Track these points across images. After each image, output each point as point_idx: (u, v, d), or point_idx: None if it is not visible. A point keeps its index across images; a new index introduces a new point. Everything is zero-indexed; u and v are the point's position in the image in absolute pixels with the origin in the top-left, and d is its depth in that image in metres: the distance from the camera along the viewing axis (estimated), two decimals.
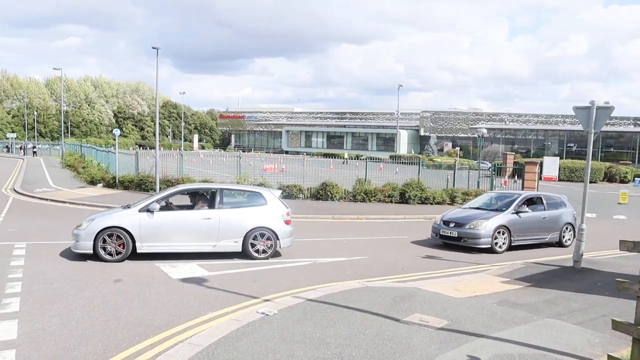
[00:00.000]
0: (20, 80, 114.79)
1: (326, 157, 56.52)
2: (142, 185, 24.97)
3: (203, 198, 12.18)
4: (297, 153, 68.63)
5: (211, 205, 11.83)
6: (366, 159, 27.96)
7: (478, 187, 26.67)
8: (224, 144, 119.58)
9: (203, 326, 6.98)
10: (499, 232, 13.76)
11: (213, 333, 6.48)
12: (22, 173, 36.82)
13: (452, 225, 14.15)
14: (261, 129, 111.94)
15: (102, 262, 10.82)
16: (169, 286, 9.15)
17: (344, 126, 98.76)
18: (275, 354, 5.86)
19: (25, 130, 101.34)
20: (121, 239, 11.01)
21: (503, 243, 13.85)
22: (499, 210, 14.52)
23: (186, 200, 12.57)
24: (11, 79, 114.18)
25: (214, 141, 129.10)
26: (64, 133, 75.10)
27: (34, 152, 67.07)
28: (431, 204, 24.01)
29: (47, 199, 22.47)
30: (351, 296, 8.37)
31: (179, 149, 65.29)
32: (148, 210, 11.26)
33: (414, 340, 6.39)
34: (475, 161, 40.89)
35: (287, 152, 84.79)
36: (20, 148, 72.52)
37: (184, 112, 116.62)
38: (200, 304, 8.07)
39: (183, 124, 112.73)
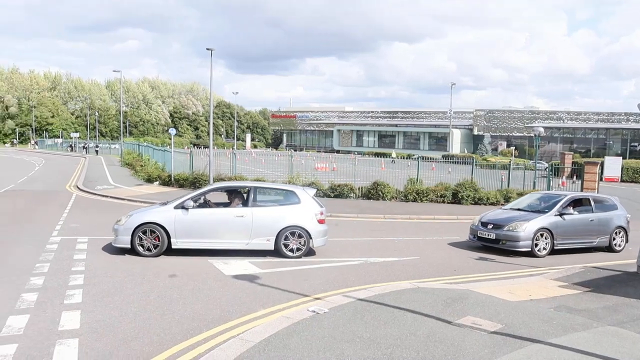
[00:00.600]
0: (83, 83, 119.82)
1: (377, 157, 56.31)
2: (196, 183, 25.55)
3: (239, 196, 12.29)
4: (348, 152, 68.57)
5: (245, 203, 11.94)
6: (418, 159, 27.62)
7: (534, 187, 25.89)
8: (275, 143, 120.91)
9: (254, 323, 7.08)
10: (540, 235, 13.14)
11: (264, 330, 6.56)
12: (84, 171, 38.38)
13: (490, 226, 13.63)
14: (312, 128, 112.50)
15: (141, 256, 11.16)
16: (222, 282, 9.33)
17: (396, 125, 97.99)
18: (325, 352, 5.88)
19: (87, 130, 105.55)
20: (157, 234, 11.30)
21: (545, 247, 13.24)
22: (542, 212, 13.87)
23: (225, 198, 12.73)
24: (75, 81, 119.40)
25: (266, 140, 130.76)
26: (123, 132, 77.82)
27: (96, 151, 70.09)
28: (485, 204, 23.49)
29: (107, 196, 23.34)
30: (402, 297, 8.29)
31: (232, 148, 66.43)
32: (183, 207, 11.48)
33: (466, 344, 6.27)
34: (531, 161, 39.77)
35: (338, 152, 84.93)
36: (83, 147, 75.63)
37: (236, 112, 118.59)
38: (252, 301, 8.19)
39: (236, 123, 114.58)
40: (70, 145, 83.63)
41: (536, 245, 13.12)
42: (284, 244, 11.65)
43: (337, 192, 23.98)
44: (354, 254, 12.36)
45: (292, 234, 11.70)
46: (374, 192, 23.94)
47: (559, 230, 13.45)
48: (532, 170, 28.69)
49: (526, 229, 13.03)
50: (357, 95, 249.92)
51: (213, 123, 26.90)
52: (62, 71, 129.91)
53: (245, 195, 12.15)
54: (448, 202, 23.75)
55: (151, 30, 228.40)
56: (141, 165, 36.24)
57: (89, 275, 9.50)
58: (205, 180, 24.63)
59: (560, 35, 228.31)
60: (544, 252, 13.20)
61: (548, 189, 24.91)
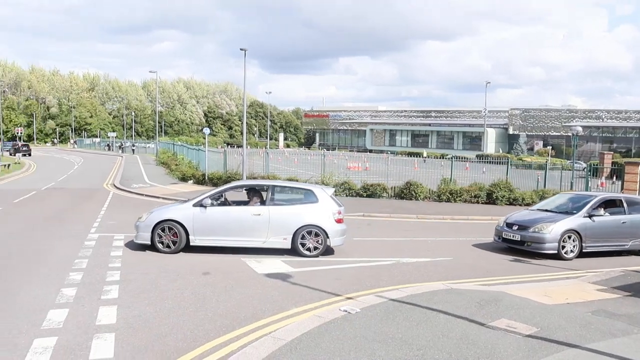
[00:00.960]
0: (120, 84, 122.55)
1: (410, 156, 55.92)
2: (229, 182, 25.78)
3: (258, 194, 12.32)
4: (381, 152, 68.27)
5: (263, 201, 12.00)
6: (451, 158, 27.31)
7: (571, 188, 25.28)
8: (308, 142, 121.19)
9: (286, 321, 7.11)
10: (567, 237, 12.74)
11: (296, 328, 6.59)
12: (121, 170, 39.24)
13: (515, 228, 13.28)
14: (345, 128, 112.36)
15: (160, 253, 11.43)
16: (255, 281, 9.41)
17: (429, 125, 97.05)
18: (357, 352, 5.87)
19: (123, 130, 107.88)
20: (175, 231, 11.50)
21: (572, 249, 12.81)
22: (570, 213, 13.40)
23: (245, 196, 12.79)
24: (112, 82, 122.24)
25: (298, 140, 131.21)
26: (158, 132, 79.17)
27: (133, 150, 71.66)
28: (520, 205, 23.05)
29: (142, 194, 23.81)
30: (435, 298, 8.22)
31: (265, 147, 66.93)
32: (201, 205, 11.64)
33: (500, 347, 6.17)
34: (569, 161, 38.84)
35: (371, 151, 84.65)
36: (119, 146, 77.29)
37: (269, 112, 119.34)
38: (284, 299, 8.24)
39: (269, 123, 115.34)
40: (108, 145, 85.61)
41: (563, 247, 12.73)
42: (300, 243, 11.64)
43: (369, 192, 23.92)
44: (386, 254, 12.30)
45: (309, 232, 11.67)
46: (406, 192, 23.78)
47: (587, 232, 13.02)
48: (570, 170, 28.03)
49: (552, 231, 12.66)
50: (390, 95, 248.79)
51: (246, 122, 27.17)
52: (100, 72, 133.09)
53: (263, 194, 12.22)
54: (482, 203, 23.41)
55: (186, 32, 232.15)
56: (176, 164, 36.84)
57: (125, 272, 9.71)
58: (239, 179, 24.85)
59: (600, 31, 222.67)
60: (572, 254, 12.80)
61: (586, 190, 24.29)
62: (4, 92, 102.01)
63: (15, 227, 14.71)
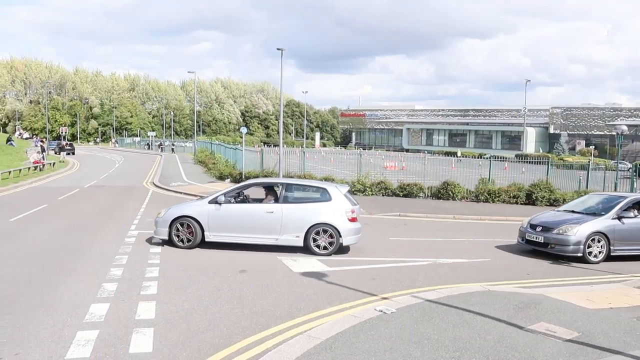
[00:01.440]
0: (160, 84, 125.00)
1: (447, 156, 55.25)
2: None
3: (273, 192, 12.39)
4: (418, 151, 67.66)
5: (277, 199, 12.05)
6: (490, 158, 26.87)
7: (615, 189, 24.51)
8: (344, 141, 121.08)
9: (322, 320, 7.12)
10: (593, 240, 12.16)
11: (331, 327, 6.59)
12: (160, 168, 40.01)
13: (539, 229, 12.79)
14: (381, 127, 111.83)
15: (176, 247, 11.74)
16: (290, 279, 9.46)
17: (467, 124, 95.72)
18: (392, 352, 5.84)
19: (163, 129, 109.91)
20: (191, 227, 11.73)
21: (599, 252, 12.17)
22: (598, 214, 12.78)
23: (263, 194, 12.83)
24: (152, 82, 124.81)
25: (335, 139, 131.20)
26: (196, 131, 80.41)
27: (172, 149, 73.01)
28: (561, 205, 22.50)
29: (180, 192, 24.22)
30: (472, 299, 8.10)
31: (301, 147, 67.22)
32: (216, 202, 11.84)
33: (539, 351, 6.04)
34: (613, 161, 37.73)
35: (407, 150, 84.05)
36: (159, 145, 78.83)
37: (306, 111, 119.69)
38: (319, 298, 8.25)
39: (305, 122, 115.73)
40: (147, 144, 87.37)
41: (589, 250, 12.16)
42: (313, 241, 11.62)
43: (406, 192, 23.75)
44: (423, 254, 12.18)
45: (322, 231, 11.62)
46: (443, 192, 23.51)
47: (616, 235, 12.33)
48: (614, 171, 27.20)
49: (577, 233, 12.12)
50: (427, 94, 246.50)
51: (283, 122, 27.35)
52: (140, 73, 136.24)
53: (276, 192, 12.29)
54: (521, 203, 22.95)
55: (224, 32, 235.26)
56: (213, 163, 37.34)
57: (163, 268, 9.90)
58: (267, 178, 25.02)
59: None
60: (599, 257, 12.20)
61: (631, 191, 23.52)
62: (49, 93, 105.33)
63: (59, 223, 15.18)
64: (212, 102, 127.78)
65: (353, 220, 11.81)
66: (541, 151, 74.03)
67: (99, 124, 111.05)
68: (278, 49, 26.30)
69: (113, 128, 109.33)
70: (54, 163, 40.18)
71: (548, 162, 27.42)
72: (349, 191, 12.81)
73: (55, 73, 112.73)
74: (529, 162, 33.16)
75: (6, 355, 5.83)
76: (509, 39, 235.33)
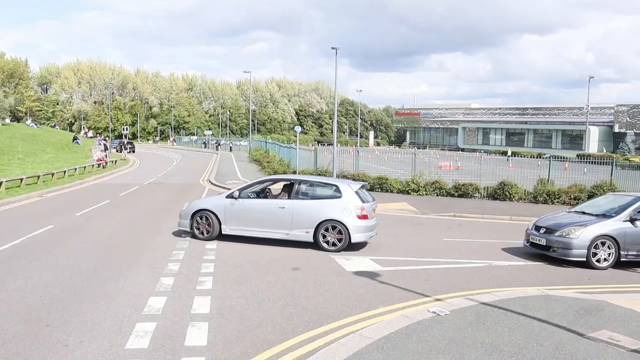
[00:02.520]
0: (216, 84, 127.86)
1: (504, 155, 53.82)
2: None
3: (288, 188, 12.60)
4: (474, 151, 66.25)
5: (289, 195, 12.28)
6: (549, 158, 25.97)
7: None
8: (399, 140, 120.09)
9: (374, 320, 7.09)
10: (599, 244, 11.22)
11: (383, 327, 6.56)
12: (216, 166, 40.89)
13: (542, 231, 12.02)
14: (436, 126, 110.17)
15: (197, 239, 12.27)
16: (343, 278, 9.47)
17: (525, 122, 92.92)
18: (445, 355, 5.75)
19: (219, 128, 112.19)
20: (209, 220, 12.33)
21: (606, 257, 11.26)
22: (608, 216, 11.86)
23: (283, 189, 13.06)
24: (209, 82, 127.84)
25: (389, 138, 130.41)
26: (251, 130, 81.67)
27: (230, 148, 74.49)
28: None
29: None
30: (529, 303, 7.87)
31: (355, 146, 67.11)
32: (232, 197, 12.38)
33: None
34: None
35: (462, 150, 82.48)
36: (215, 144, 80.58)
37: (360, 110, 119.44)
38: (371, 298, 8.22)
39: (359, 121, 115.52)
40: (204, 142, 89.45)
41: (594, 254, 11.29)
42: (322, 237, 11.74)
43: (461, 192, 23.33)
44: (478, 256, 11.93)
45: (331, 227, 11.72)
46: (500, 193, 22.94)
47: (627, 238, 11.32)
48: None
49: (580, 236, 11.27)
50: (484, 92, 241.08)
51: (337, 121, 27.38)
52: (197, 73, 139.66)
53: (289, 188, 12.52)
54: None
55: (280, 32, 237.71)
56: (268, 162, 37.85)
57: (218, 264, 10.12)
58: (329, 177, 25.09)
59: None
60: (606, 263, 11.27)
61: None
62: (112, 93, 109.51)
63: (120, 218, 15.77)
64: (267, 101, 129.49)
65: (363, 217, 11.81)
66: (605, 151, 70.96)
67: (158, 123, 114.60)
68: (332, 48, 26.33)
69: (171, 127, 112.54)
70: (115, 161, 41.77)
71: (612, 162, 26.25)
72: (363, 188, 12.88)
73: (117, 74, 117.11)
74: (592, 162, 31.83)
75: (72, 342, 6.12)
76: (572, 34, 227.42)
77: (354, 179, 24.59)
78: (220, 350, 5.98)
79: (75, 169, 31.08)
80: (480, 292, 8.61)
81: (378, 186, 24.46)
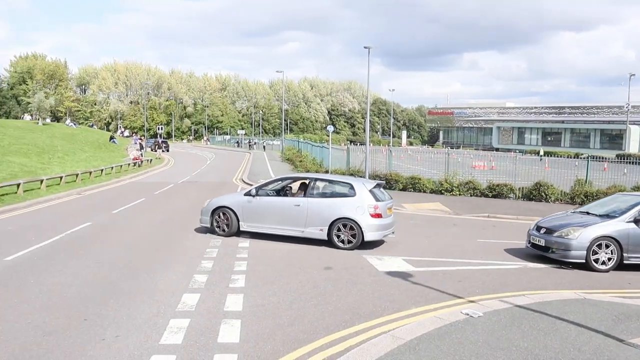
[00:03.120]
0: (249, 84, 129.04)
1: (537, 155, 52.78)
2: None
3: (303, 187, 12.74)
4: (509, 150, 65.12)
5: (305, 193, 12.43)
6: (587, 158, 25.33)
7: None
8: (432, 140, 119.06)
9: (406, 320, 7.04)
10: (599, 245, 10.78)
11: (415, 328, 6.51)
12: (248, 165, 41.23)
13: (542, 231, 11.68)
14: (470, 125, 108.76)
15: (217, 235, 12.73)
16: (375, 278, 9.43)
17: (562, 122, 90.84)
18: (478, 358, 5.67)
19: (252, 127, 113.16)
20: (228, 217, 12.63)
21: (607, 260, 10.81)
22: (611, 216, 11.37)
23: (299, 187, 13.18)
24: (242, 82, 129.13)
25: (422, 137, 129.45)
26: (284, 129, 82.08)
27: (264, 147, 75.11)
28: None
29: None
30: (566, 307, 7.69)
31: (388, 145, 66.79)
32: (249, 195, 12.70)
33: None
34: None
35: (497, 149, 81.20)
36: (248, 143, 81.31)
37: (392, 109, 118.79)
38: (404, 299, 8.17)
39: (392, 120, 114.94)
40: (237, 142, 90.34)
41: (594, 256, 10.85)
42: (335, 235, 11.86)
43: (495, 192, 22.97)
44: (512, 258, 11.73)
45: (344, 225, 11.82)
46: (535, 193, 22.49)
47: (631, 240, 10.82)
48: None
49: (580, 237, 10.84)
50: (519, 90, 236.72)
51: (369, 120, 27.25)
52: (231, 73, 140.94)
53: (305, 186, 12.68)
54: None
55: (312, 32, 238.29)
56: (300, 161, 37.95)
57: (251, 262, 10.21)
58: (361, 177, 25.02)
59: None
60: (607, 265, 10.82)
61: None
62: (147, 94, 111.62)
63: (155, 216, 16.06)
64: (300, 100, 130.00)
65: (376, 216, 11.82)
66: None
67: (192, 123, 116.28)
68: (365, 47, 26.21)
69: (205, 126, 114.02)
70: (151, 159, 42.53)
71: None
72: (379, 186, 12.88)
73: (153, 75, 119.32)
74: (632, 162, 30.91)
75: (109, 336, 6.26)
76: (611, 30, 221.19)
77: (386, 179, 24.54)
78: (252, 348, 6.03)
79: (112, 168, 31.77)
80: (515, 295, 8.46)
81: (411, 186, 24.29)
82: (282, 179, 13.60)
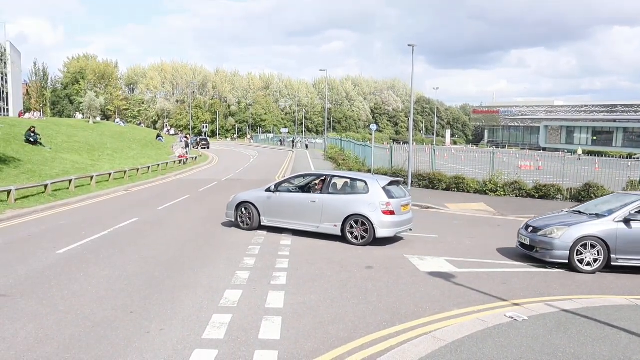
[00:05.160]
0: (293, 82, 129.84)
1: (589, 155, 51.15)
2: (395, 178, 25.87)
3: (321, 183, 13.02)
4: (556, 150, 63.39)
5: (321, 190, 12.80)
6: None
7: None
8: (476, 139, 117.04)
9: (447, 322, 6.95)
10: (584, 245, 10.29)
11: (457, 330, 6.41)
12: (291, 164, 41.50)
13: (529, 230, 11.26)
14: (516, 124, 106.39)
15: (241, 229, 12.55)
16: (417, 278, 9.34)
17: (614, 120, 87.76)
18: None
19: (294, 126, 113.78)
20: (250, 212, 13.27)
21: (592, 261, 10.30)
22: (600, 216, 10.81)
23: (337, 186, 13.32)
24: (285, 81, 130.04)
25: (466, 136, 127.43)
26: (327, 128, 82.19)
27: (307, 145, 75.49)
28: None
29: None
30: (615, 313, 7.42)
31: (431, 144, 66.04)
32: (269, 190, 13.25)
33: None
34: None
35: (544, 149, 79.12)
36: (292, 141, 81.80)
37: (436, 108, 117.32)
38: (445, 300, 8.06)
39: (436, 119, 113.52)
40: (280, 140, 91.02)
41: (579, 257, 10.32)
42: (349, 231, 12.13)
43: (542, 193, 22.37)
44: None
45: (356, 222, 12.06)
46: (584, 194, 21.77)
47: (620, 241, 10.27)
48: None
49: (562, 236, 10.39)
50: (568, 88, 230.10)
51: (412, 119, 26.98)
52: (274, 72, 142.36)
53: (322, 183, 13.00)
54: None
55: (356, 31, 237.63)
56: (343, 159, 37.93)
57: (293, 260, 10.28)
58: (404, 175, 24.83)
59: None
60: (592, 266, 10.31)
61: None
62: (193, 93, 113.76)
63: (199, 213, 16.36)
64: (343, 99, 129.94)
65: (389, 213, 11.93)
66: None
67: (236, 121, 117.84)
68: (409, 45, 25.94)
69: (249, 125, 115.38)
70: (196, 157, 43.32)
71: None
72: (395, 184, 12.91)
73: (198, 74, 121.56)
74: None
75: (153, 329, 6.43)
76: None
77: (429, 179, 24.28)
78: (293, 345, 6.07)
79: (158, 165, 32.54)
80: (562, 299, 8.23)
81: (454, 186, 23.95)
82: (302, 176, 14.11)
